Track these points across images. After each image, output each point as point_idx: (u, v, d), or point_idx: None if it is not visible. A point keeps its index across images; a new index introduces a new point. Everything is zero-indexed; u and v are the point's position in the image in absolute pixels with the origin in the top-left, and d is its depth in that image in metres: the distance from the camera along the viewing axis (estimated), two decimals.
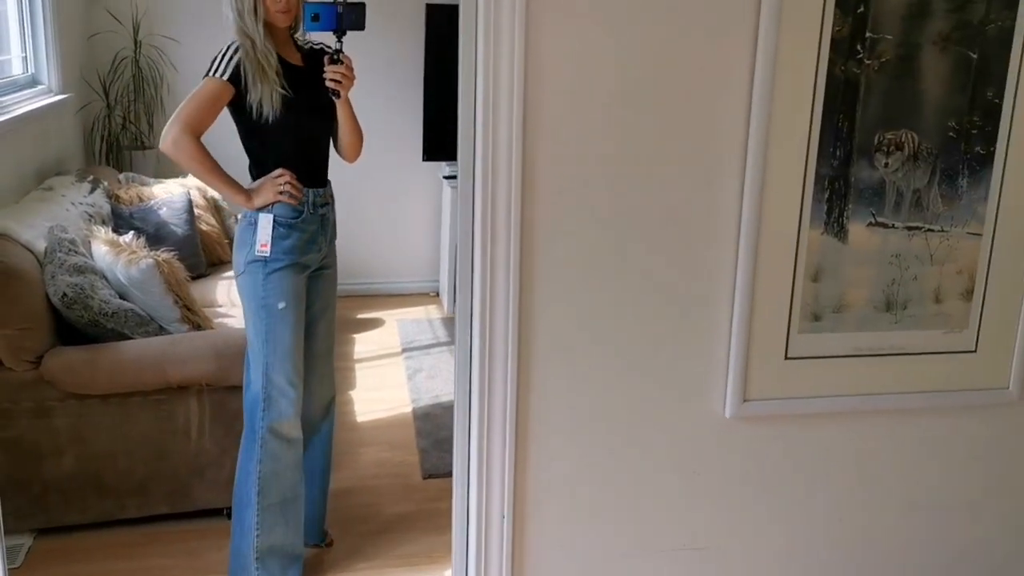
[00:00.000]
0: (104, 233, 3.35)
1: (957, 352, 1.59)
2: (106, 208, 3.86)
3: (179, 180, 4.36)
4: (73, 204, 3.62)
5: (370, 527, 3.09)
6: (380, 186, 5.27)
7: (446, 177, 5.15)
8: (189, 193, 4.21)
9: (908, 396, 1.56)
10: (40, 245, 3.12)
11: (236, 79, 2.46)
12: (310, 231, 2.59)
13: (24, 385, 2.86)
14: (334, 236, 2.75)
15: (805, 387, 1.52)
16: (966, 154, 1.53)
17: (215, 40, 2.56)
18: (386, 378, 4.32)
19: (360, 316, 5.14)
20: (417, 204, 5.41)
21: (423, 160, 5.05)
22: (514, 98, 1.35)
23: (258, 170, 2.60)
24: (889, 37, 1.47)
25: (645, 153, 1.42)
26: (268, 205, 2.54)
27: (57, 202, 3.54)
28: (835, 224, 1.44)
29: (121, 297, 3.14)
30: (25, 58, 4.12)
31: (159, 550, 2.94)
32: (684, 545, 1.57)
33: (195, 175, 2.57)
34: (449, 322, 5.06)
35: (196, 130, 2.45)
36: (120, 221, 3.87)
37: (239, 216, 2.72)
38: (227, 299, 3.84)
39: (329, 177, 2.71)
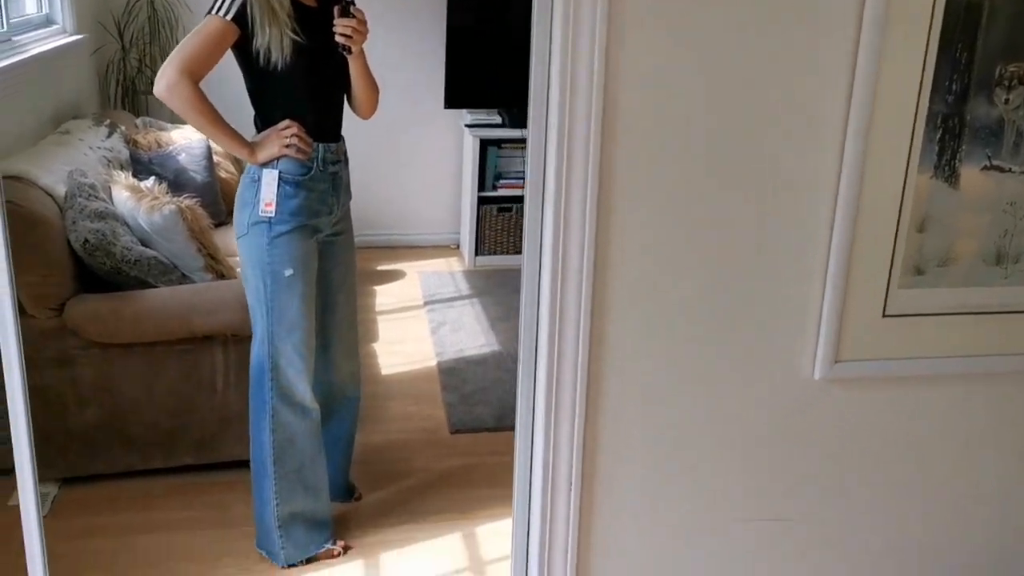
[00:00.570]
0: (124, 178, 3.25)
1: None
2: (124, 153, 3.76)
3: None
4: (91, 149, 3.53)
5: (399, 483, 3.03)
6: (399, 135, 5.14)
7: (468, 126, 5.03)
8: (208, 139, 4.10)
9: (1016, 358, 1.45)
10: (60, 190, 3.02)
11: (242, 19, 2.24)
12: (320, 190, 2.42)
13: (47, 333, 2.79)
14: (348, 198, 2.57)
15: (903, 347, 1.41)
16: None
17: None
18: (409, 331, 4.25)
19: (380, 268, 5.06)
20: (437, 154, 5.29)
21: (445, 108, 4.92)
22: (596, 28, 1.23)
23: (264, 121, 2.41)
24: None
25: (736, 87, 1.30)
26: (273, 160, 2.36)
27: (75, 146, 3.45)
28: (946, 167, 1.33)
29: (143, 244, 3.06)
30: None
31: (185, 502, 2.89)
32: (763, 516, 1.48)
33: (192, 124, 2.36)
34: (471, 275, 4.98)
35: (195, 74, 2.24)
36: (139, 167, 3.77)
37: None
38: None
39: (345, 129, 2.51)
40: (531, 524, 1.41)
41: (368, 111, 2.56)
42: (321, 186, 2.43)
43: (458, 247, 5.41)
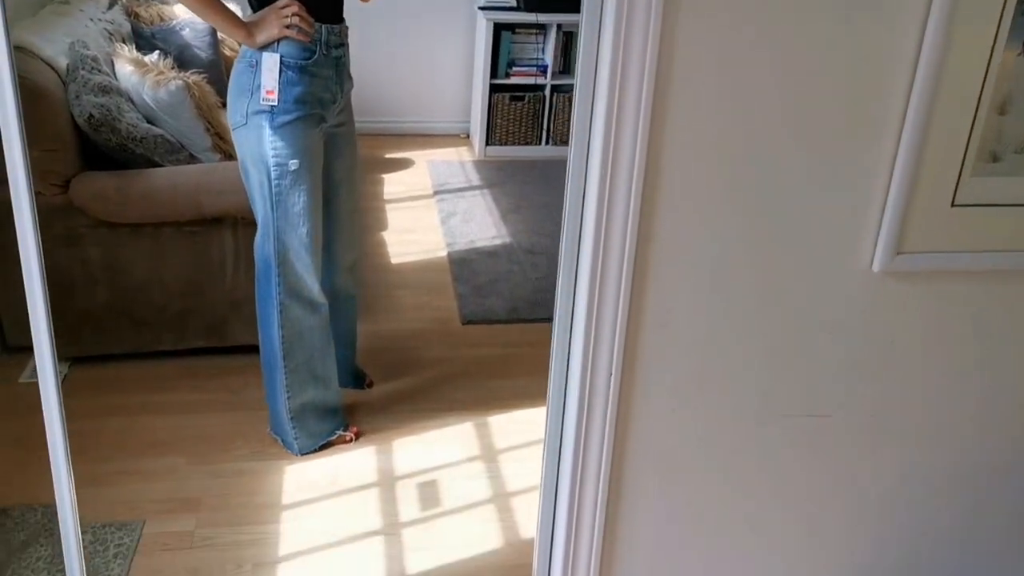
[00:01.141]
0: (128, 51, 3.12)
1: None
2: (126, 27, 3.61)
3: None
4: (92, 20, 3.37)
5: (411, 372, 3.02)
6: (409, 18, 4.94)
7: (481, 8, 4.83)
8: None
9: None
10: (62, 62, 2.90)
11: None
12: (324, 76, 2.28)
13: (53, 211, 2.71)
14: (351, 85, 2.44)
15: (971, 240, 1.33)
16: None
17: None
18: (419, 220, 4.18)
19: (389, 156, 4.95)
20: (448, 38, 5.10)
21: None
22: None
23: (259, 0, 2.26)
24: None
25: None
26: (273, 43, 2.21)
27: (75, 17, 3.30)
28: None
29: (149, 122, 2.95)
30: None
31: (196, 385, 2.88)
32: (808, 412, 1.44)
33: (182, 1, 2.21)
34: (482, 165, 4.87)
35: None
36: (141, 41, 3.61)
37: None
38: None
39: (350, 12, 2.35)
40: (567, 412, 1.37)
41: None
42: (325, 71, 2.30)
43: (468, 136, 5.28)
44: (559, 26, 4.85)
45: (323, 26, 2.26)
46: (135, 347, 2.93)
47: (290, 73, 2.23)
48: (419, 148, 5.07)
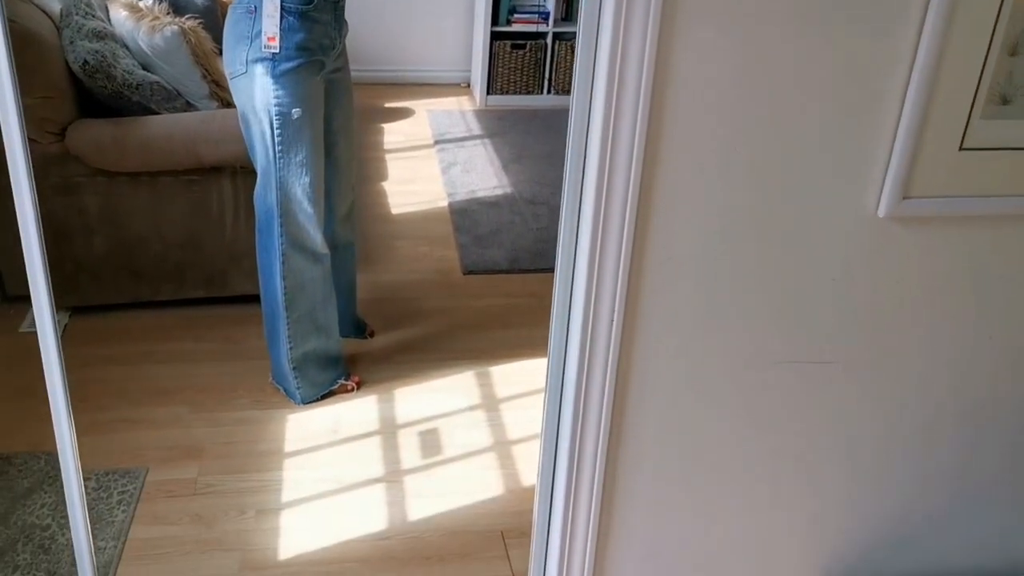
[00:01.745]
0: None
1: None
2: None
3: None
4: None
5: (412, 322, 3.02)
6: None
7: None
8: None
9: None
10: (55, 7, 2.85)
11: None
12: (324, 22, 2.24)
13: (50, 159, 2.69)
14: (347, 30, 2.40)
15: (979, 184, 1.31)
16: None
17: None
18: (419, 170, 4.14)
19: (388, 105, 4.89)
20: None
21: None
22: None
23: None
24: None
25: None
26: None
27: None
28: None
29: (145, 69, 2.91)
30: None
31: (196, 334, 2.88)
32: (810, 358, 1.43)
33: None
34: (482, 115, 4.82)
35: None
36: None
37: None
38: None
39: None
40: (568, 357, 1.37)
41: None
42: (325, 17, 2.26)
43: (468, 85, 5.22)
44: None
45: None
46: (134, 297, 2.92)
47: (291, 19, 2.18)
48: (419, 97, 5.02)
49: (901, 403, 1.53)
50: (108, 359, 2.73)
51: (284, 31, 2.18)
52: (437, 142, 4.43)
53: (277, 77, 2.21)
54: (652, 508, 1.57)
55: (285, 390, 2.60)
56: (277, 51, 2.19)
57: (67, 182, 2.73)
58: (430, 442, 2.49)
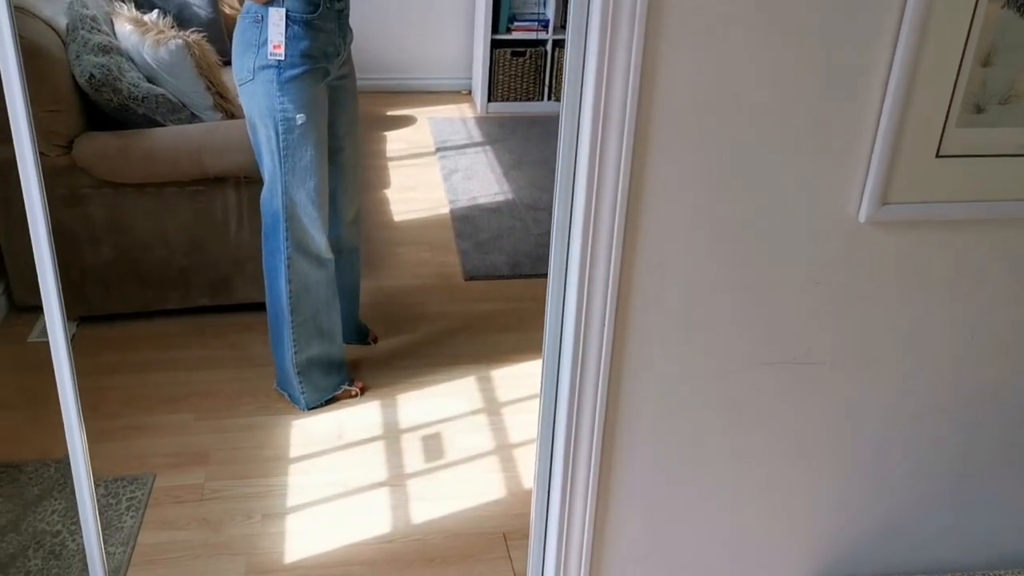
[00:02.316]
0: (127, 10, 3.12)
1: None
2: None
3: None
4: None
5: (415, 327, 3.06)
6: None
7: None
8: None
9: None
10: (61, 22, 2.90)
11: None
12: (328, 30, 2.30)
13: (57, 171, 2.73)
14: (351, 37, 2.46)
15: (955, 190, 1.35)
16: None
17: None
18: (421, 177, 4.19)
19: (390, 113, 4.94)
20: None
21: None
22: None
23: None
24: None
25: None
26: None
27: None
28: None
29: (150, 81, 2.96)
30: None
31: (201, 341, 2.92)
32: (797, 359, 1.47)
33: None
34: (483, 121, 4.87)
35: None
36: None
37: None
38: None
39: None
40: (562, 360, 1.41)
41: None
42: (329, 25, 2.31)
43: (469, 93, 5.27)
44: None
45: None
46: (141, 306, 2.97)
47: (296, 27, 2.24)
48: (420, 105, 5.06)
49: (888, 402, 1.57)
50: (115, 367, 2.78)
51: (289, 39, 2.24)
52: (439, 149, 4.47)
53: (282, 84, 2.27)
54: (646, 509, 1.60)
55: (290, 396, 2.65)
56: (282, 59, 2.25)
57: (74, 193, 2.78)
58: (433, 446, 2.53)
